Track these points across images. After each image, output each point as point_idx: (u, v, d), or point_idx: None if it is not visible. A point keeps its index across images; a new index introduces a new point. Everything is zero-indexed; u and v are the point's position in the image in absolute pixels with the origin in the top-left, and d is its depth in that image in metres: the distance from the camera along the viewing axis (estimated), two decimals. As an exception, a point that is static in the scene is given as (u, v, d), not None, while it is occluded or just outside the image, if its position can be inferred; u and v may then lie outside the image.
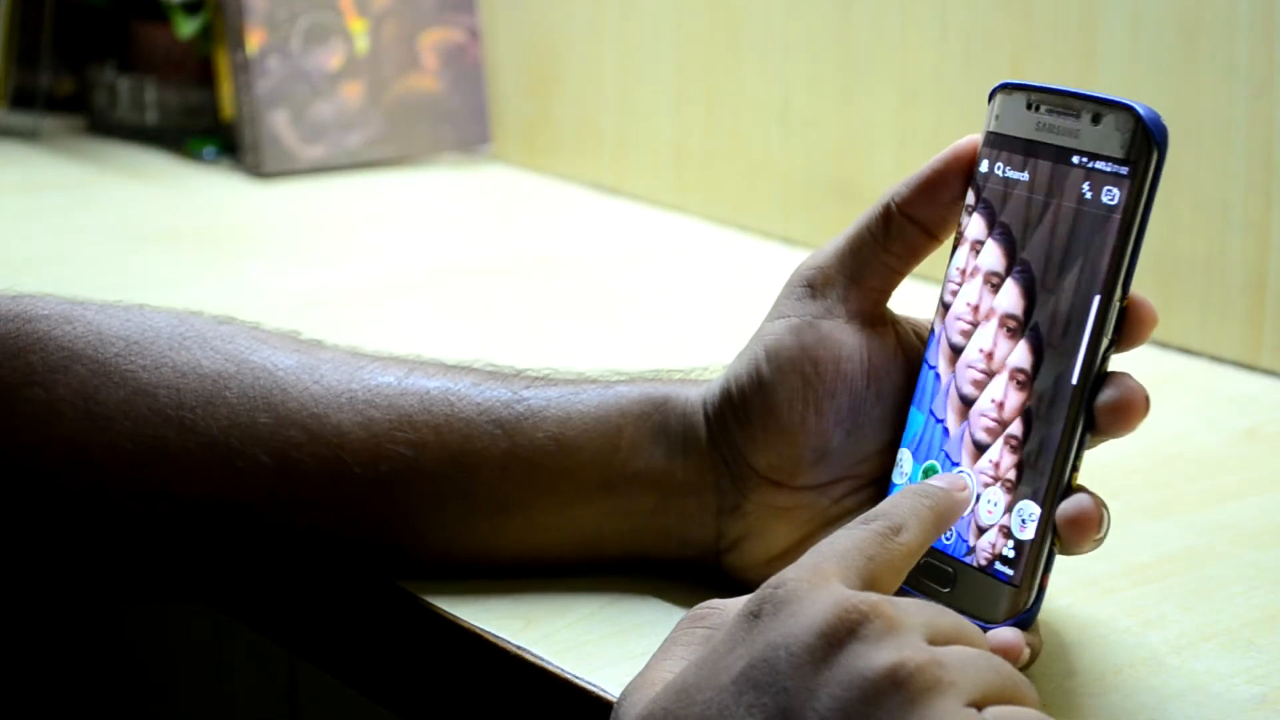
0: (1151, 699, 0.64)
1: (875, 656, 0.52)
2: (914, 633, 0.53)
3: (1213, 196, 1.01)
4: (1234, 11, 0.99)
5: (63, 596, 0.75)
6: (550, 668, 0.66)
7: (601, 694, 0.64)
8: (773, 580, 0.55)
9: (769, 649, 0.53)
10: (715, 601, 0.60)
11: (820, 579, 0.55)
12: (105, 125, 1.54)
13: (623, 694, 0.57)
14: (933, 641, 0.54)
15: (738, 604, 0.59)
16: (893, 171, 1.20)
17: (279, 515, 0.69)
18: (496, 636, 0.68)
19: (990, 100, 0.68)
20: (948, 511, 0.62)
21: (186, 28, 1.45)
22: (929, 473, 0.67)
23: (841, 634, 0.53)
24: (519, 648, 0.67)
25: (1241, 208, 1.00)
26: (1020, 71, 1.11)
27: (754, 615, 0.54)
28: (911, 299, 0.74)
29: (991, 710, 0.52)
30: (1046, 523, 0.63)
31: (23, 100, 1.54)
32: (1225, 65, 1.00)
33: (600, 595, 0.70)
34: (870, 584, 0.57)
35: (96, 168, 1.46)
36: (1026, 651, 0.63)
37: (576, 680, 0.65)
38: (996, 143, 0.67)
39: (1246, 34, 0.99)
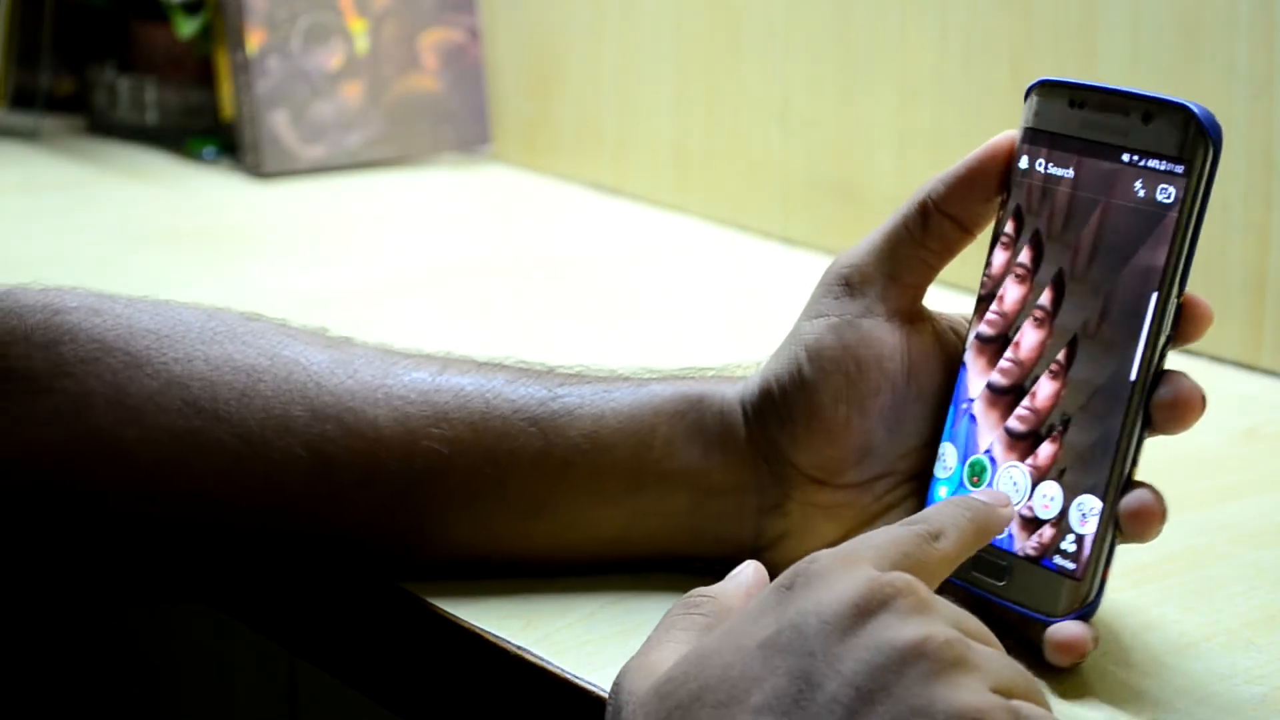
0: (1151, 699, 0.64)
1: (904, 628, 0.52)
2: (944, 618, 0.53)
3: (1213, 196, 1.01)
4: (1234, 11, 0.99)
5: (89, 588, 0.74)
6: (550, 668, 0.66)
7: (601, 694, 0.64)
8: (808, 557, 0.55)
9: (799, 615, 0.53)
10: (707, 589, 0.60)
11: (854, 560, 0.55)
12: (105, 125, 1.54)
13: (620, 674, 0.57)
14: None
15: (726, 589, 0.59)
16: (893, 171, 1.20)
17: (313, 509, 0.69)
18: (496, 636, 0.68)
19: (1027, 97, 0.67)
20: (987, 525, 0.62)
21: (186, 28, 1.45)
22: (974, 468, 0.67)
23: (873, 605, 0.53)
24: (519, 648, 0.67)
25: (1241, 208, 1.00)
26: (1020, 72, 1.11)
27: (786, 587, 0.55)
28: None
29: (1017, 703, 0.52)
30: (1109, 516, 0.64)
31: (23, 100, 1.54)
32: (1225, 65, 1.00)
33: (600, 595, 0.70)
34: None
35: (96, 168, 1.46)
36: (1090, 646, 0.63)
37: (576, 680, 0.65)
38: (1037, 139, 0.67)
39: (1246, 34, 0.99)
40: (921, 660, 0.51)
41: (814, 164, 1.25)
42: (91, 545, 0.70)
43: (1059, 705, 0.63)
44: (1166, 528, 0.79)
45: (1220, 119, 1.00)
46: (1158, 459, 0.87)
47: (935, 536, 0.59)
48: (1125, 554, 0.74)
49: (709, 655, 0.54)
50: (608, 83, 1.41)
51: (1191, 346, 1.02)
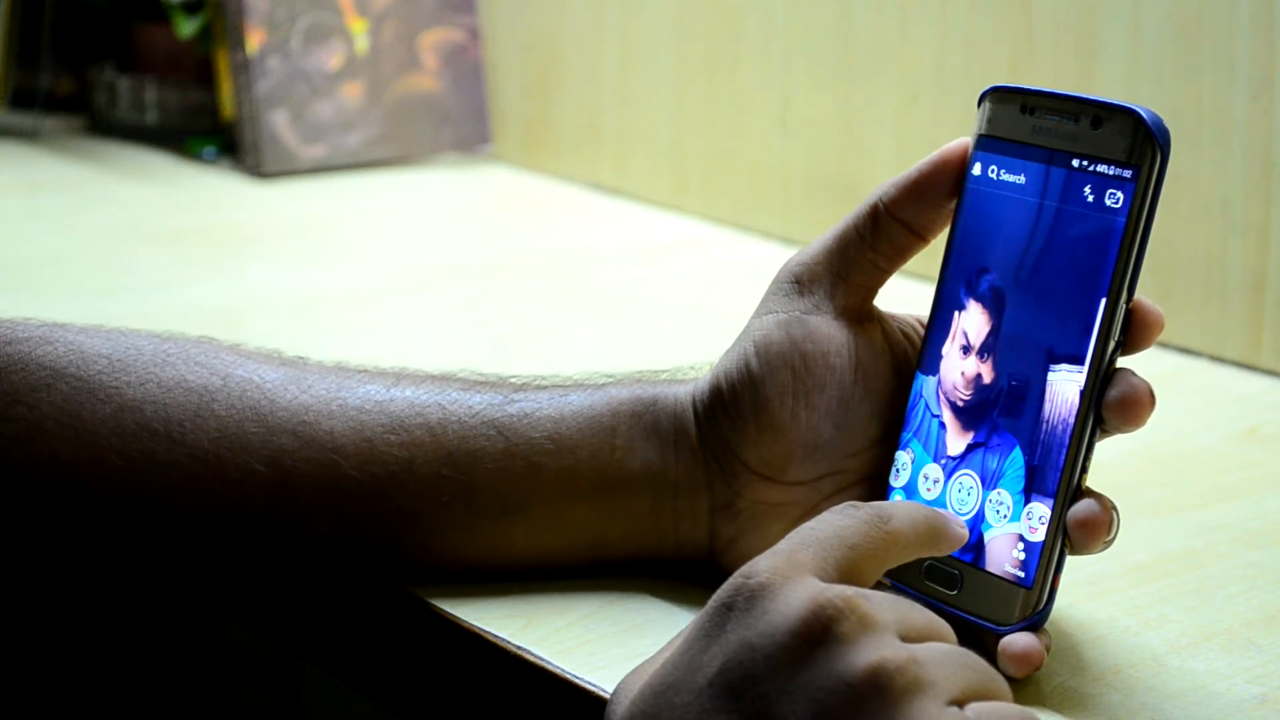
0: (1151, 699, 0.64)
1: (855, 658, 0.52)
2: (889, 630, 0.53)
3: (1213, 196, 1.01)
4: (1234, 11, 0.99)
5: (64, 608, 0.75)
6: (550, 668, 0.66)
7: (601, 694, 0.64)
8: (744, 569, 0.55)
9: (744, 649, 0.53)
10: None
11: (794, 570, 0.55)
12: (105, 125, 1.54)
13: (620, 684, 0.57)
14: (905, 638, 0.54)
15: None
16: (892, 171, 1.19)
17: (281, 522, 0.69)
18: (496, 636, 0.68)
19: (980, 104, 0.68)
20: (942, 529, 0.62)
21: (186, 28, 1.45)
22: (929, 475, 0.67)
23: (816, 632, 0.53)
24: (519, 648, 0.67)
25: (1241, 208, 1.00)
26: (1019, 72, 1.11)
27: (726, 608, 0.54)
28: (899, 295, 0.74)
29: (973, 707, 0.52)
30: (1058, 524, 0.63)
31: (23, 100, 1.54)
32: (1225, 65, 1.00)
33: (600, 595, 0.70)
34: (849, 574, 0.57)
35: (96, 168, 1.46)
36: (1045, 656, 0.63)
37: (576, 680, 0.65)
38: (989, 146, 0.67)
39: (1246, 34, 0.99)
40: (876, 694, 0.51)
41: (814, 164, 1.25)
42: (63, 563, 0.70)
43: (1059, 710, 0.63)
44: (1166, 527, 0.79)
45: (1220, 119, 1.00)
46: (1157, 459, 0.87)
47: (885, 520, 0.59)
48: (1124, 554, 0.74)
49: (665, 693, 0.54)
50: (608, 83, 1.41)
51: (1192, 346, 1.03)
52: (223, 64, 1.45)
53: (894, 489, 0.68)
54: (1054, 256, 0.65)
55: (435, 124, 1.50)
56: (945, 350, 0.67)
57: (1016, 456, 0.65)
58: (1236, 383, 1.00)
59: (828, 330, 0.69)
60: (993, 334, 0.66)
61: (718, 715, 0.53)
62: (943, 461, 0.67)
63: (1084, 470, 0.64)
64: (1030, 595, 0.64)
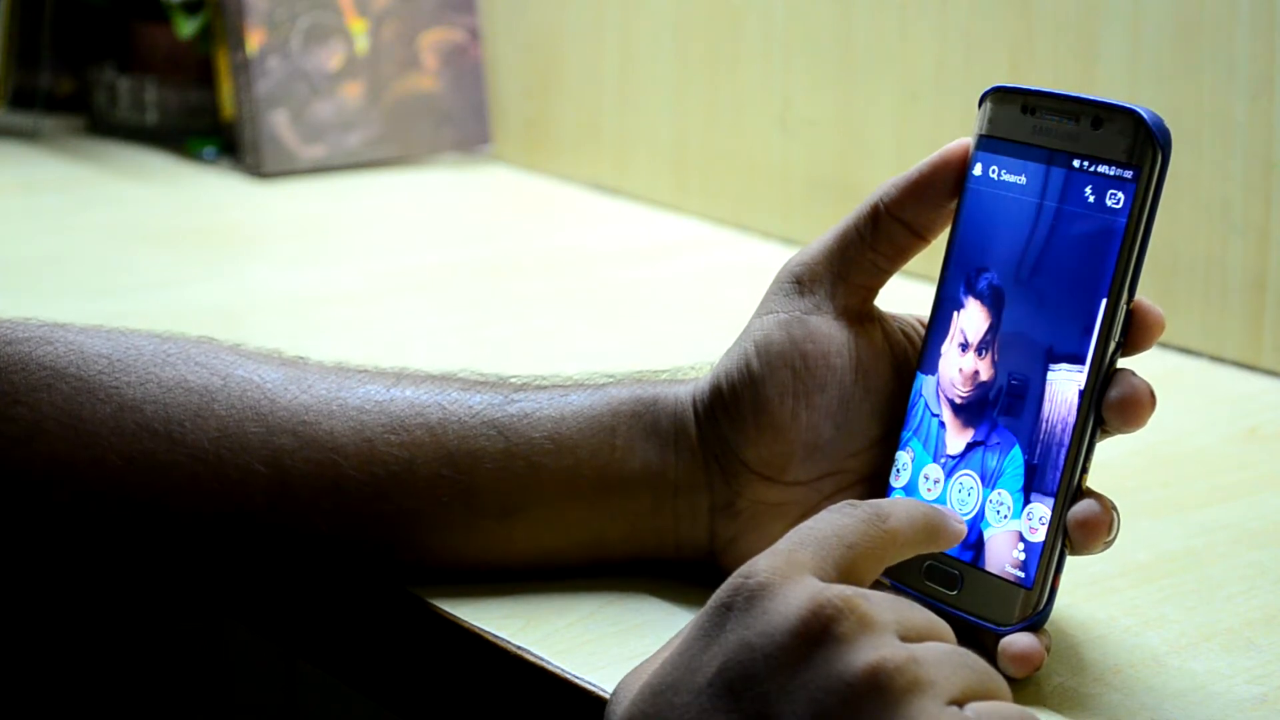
0: (1151, 699, 0.64)
1: (854, 657, 0.52)
2: (888, 630, 0.53)
3: (1213, 197, 1.01)
4: (1234, 11, 0.99)
5: (64, 608, 0.75)
6: (550, 668, 0.66)
7: (601, 694, 0.64)
8: (744, 569, 0.55)
9: (743, 649, 0.53)
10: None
11: (793, 569, 0.55)
12: (105, 125, 1.54)
13: (619, 684, 0.57)
14: (905, 638, 0.54)
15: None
16: (892, 172, 1.19)
17: (281, 522, 0.69)
18: (496, 636, 0.68)
19: (981, 104, 0.68)
20: (940, 525, 0.62)
21: (186, 28, 1.45)
22: (929, 475, 0.67)
23: (816, 632, 0.52)
24: (519, 648, 0.67)
25: (1241, 208, 1.00)
26: (1019, 72, 1.11)
27: (726, 608, 0.54)
28: (899, 295, 0.74)
29: (973, 707, 0.52)
30: (1058, 525, 0.63)
31: (23, 100, 1.54)
32: (1225, 65, 1.00)
33: (600, 595, 0.70)
34: (848, 573, 0.57)
35: (96, 168, 1.46)
36: (1045, 656, 0.63)
37: (576, 680, 0.65)
38: (990, 146, 0.67)
39: (1246, 34, 0.99)
40: (876, 694, 0.51)
41: (814, 164, 1.25)
42: (63, 563, 0.70)
43: (1059, 710, 0.63)
44: (1166, 527, 0.79)
45: (1220, 119, 1.00)
46: (1157, 459, 0.87)
47: (883, 519, 0.59)
48: (1123, 554, 0.74)
49: (665, 693, 0.54)
50: (608, 83, 1.41)
51: (1192, 346, 1.03)
52: (223, 64, 1.45)
53: (894, 489, 0.68)
54: (1054, 257, 0.65)
55: (435, 124, 1.50)
56: (944, 349, 0.68)
57: (1016, 454, 0.65)
58: (1236, 383, 1.00)
59: (828, 330, 0.69)
60: (991, 331, 0.66)
61: (717, 715, 0.53)
62: (942, 461, 0.67)
63: (1084, 470, 0.64)
64: (1030, 595, 0.64)
